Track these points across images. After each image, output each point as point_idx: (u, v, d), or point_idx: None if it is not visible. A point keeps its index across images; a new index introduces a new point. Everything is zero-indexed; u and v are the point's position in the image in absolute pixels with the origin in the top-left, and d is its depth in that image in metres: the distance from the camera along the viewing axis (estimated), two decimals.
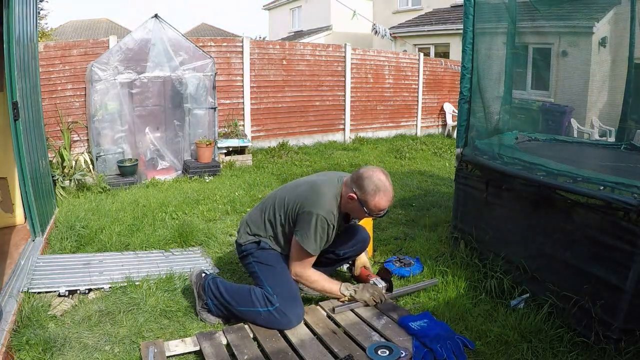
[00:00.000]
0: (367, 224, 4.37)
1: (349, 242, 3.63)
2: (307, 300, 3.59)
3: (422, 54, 14.34)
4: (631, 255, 2.73)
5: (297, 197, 3.25)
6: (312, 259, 3.21)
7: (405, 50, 17.78)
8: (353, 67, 12.29)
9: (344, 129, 12.40)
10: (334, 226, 3.17)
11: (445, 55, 17.99)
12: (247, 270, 3.47)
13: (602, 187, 3.07)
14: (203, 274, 3.46)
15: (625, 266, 2.76)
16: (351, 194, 3.13)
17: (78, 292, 3.58)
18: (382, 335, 2.93)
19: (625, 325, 2.79)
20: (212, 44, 9.80)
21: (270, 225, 3.35)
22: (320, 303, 3.40)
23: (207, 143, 8.21)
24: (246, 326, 3.04)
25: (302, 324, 3.07)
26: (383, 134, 13.39)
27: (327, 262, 3.68)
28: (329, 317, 3.22)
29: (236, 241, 3.52)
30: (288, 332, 2.98)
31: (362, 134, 12.76)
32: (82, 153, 7.57)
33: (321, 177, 3.47)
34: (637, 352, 2.71)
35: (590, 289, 2.98)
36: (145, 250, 4.55)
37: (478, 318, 3.27)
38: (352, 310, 3.29)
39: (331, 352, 2.76)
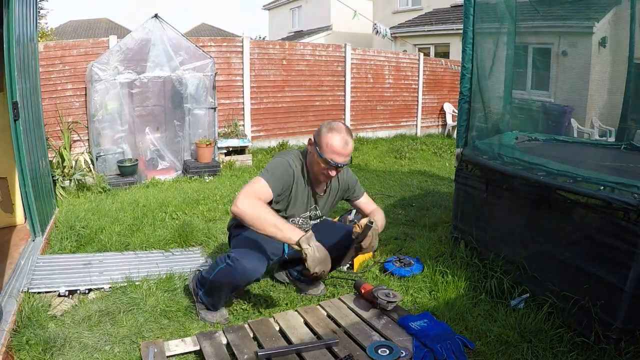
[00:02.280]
0: None
1: (336, 242, 3.43)
2: (308, 300, 3.59)
3: (422, 54, 14.36)
4: (631, 255, 2.73)
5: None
6: (260, 190, 2.98)
7: (405, 50, 17.79)
8: (353, 67, 12.30)
9: None
10: (293, 173, 3.16)
11: (445, 55, 17.99)
12: None
13: (602, 187, 3.07)
14: (197, 272, 3.51)
15: (625, 266, 2.76)
16: (310, 142, 3.17)
17: (78, 292, 3.58)
18: (382, 335, 2.93)
19: (625, 326, 2.79)
20: (212, 44, 9.80)
21: None
22: (320, 303, 3.40)
23: (207, 143, 8.21)
24: (246, 326, 3.04)
25: (302, 325, 3.07)
26: (383, 134, 13.40)
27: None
28: (329, 316, 3.21)
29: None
30: (288, 332, 2.98)
31: (362, 134, 12.76)
32: (82, 153, 7.57)
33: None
34: (637, 352, 2.71)
35: (591, 289, 2.98)
36: (145, 250, 4.55)
37: (478, 318, 3.27)
38: (352, 310, 3.28)
39: (331, 352, 2.76)
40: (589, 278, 3.01)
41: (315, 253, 2.80)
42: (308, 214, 3.42)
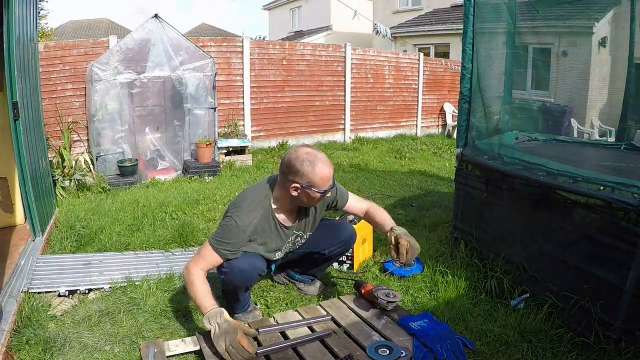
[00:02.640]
0: (366, 224, 4.38)
1: (333, 240, 3.51)
2: (308, 300, 3.59)
3: (422, 54, 14.36)
4: (631, 255, 2.73)
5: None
6: (207, 258, 2.94)
7: (405, 50, 17.79)
8: (353, 67, 12.30)
9: (344, 129, 12.41)
10: (250, 233, 2.99)
11: (445, 55, 18.00)
12: None
13: (602, 187, 3.07)
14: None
15: (625, 266, 2.76)
16: (294, 186, 2.93)
17: (78, 292, 3.58)
18: (382, 335, 2.93)
19: (625, 326, 2.79)
20: (212, 44, 9.81)
21: None
22: (320, 303, 3.40)
23: (207, 143, 8.21)
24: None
25: (302, 325, 3.07)
26: (383, 134, 13.40)
27: (315, 262, 3.66)
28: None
29: None
30: (288, 332, 2.98)
31: (362, 134, 12.77)
32: (82, 153, 7.57)
33: (256, 183, 3.30)
34: (637, 352, 2.71)
35: (591, 289, 2.98)
36: (145, 250, 4.55)
37: (478, 318, 3.27)
38: (352, 310, 3.28)
39: (331, 352, 2.76)
40: (589, 278, 3.01)
41: (216, 330, 2.64)
42: (288, 245, 3.31)
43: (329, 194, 3.10)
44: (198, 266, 2.89)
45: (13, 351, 2.75)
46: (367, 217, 3.55)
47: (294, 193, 2.95)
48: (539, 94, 6.27)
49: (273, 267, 3.24)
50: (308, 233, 3.40)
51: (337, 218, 4.44)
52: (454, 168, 4.65)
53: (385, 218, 3.42)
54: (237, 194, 3.27)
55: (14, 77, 4.00)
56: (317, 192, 2.92)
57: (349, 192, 3.56)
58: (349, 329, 3.01)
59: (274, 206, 3.11)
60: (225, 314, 2.71)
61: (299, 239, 3.36)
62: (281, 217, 3.16)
